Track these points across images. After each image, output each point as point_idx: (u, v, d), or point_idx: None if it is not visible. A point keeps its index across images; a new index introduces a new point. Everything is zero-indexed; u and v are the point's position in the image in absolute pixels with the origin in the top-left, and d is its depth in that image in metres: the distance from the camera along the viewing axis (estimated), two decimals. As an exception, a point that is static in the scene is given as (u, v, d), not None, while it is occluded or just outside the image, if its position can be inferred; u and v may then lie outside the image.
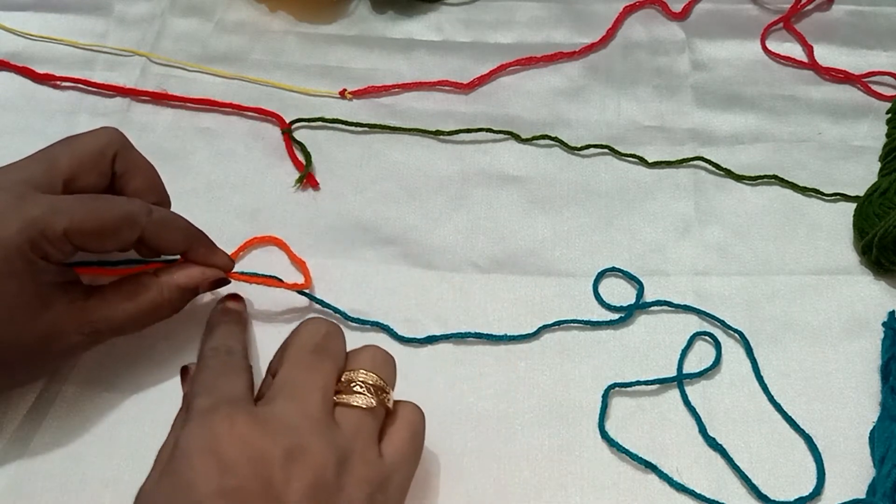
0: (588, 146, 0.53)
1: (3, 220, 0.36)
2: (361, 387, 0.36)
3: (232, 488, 0.31)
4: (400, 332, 0.45)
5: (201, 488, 0.31)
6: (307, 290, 0.46)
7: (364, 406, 0.35)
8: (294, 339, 0.37)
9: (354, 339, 0.44)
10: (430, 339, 0.45)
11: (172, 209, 0.44)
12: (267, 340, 0.44)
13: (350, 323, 0.45)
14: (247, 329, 0.43)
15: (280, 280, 0.45)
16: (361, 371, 0.36)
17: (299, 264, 0.47)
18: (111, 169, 0.41)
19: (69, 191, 0.40)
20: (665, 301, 0.46)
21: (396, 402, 0.38)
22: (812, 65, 0.58)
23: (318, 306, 0.46)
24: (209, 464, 0.32)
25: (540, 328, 0.45)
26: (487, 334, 0.45)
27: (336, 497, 0.32)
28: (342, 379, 0.36)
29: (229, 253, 0.44)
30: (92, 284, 0.40)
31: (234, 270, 0.44)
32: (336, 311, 0.45)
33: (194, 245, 0.42)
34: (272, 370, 0.38)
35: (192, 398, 0.35)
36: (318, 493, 0.32)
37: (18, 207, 0.37)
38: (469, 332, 0.45)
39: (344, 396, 0.35)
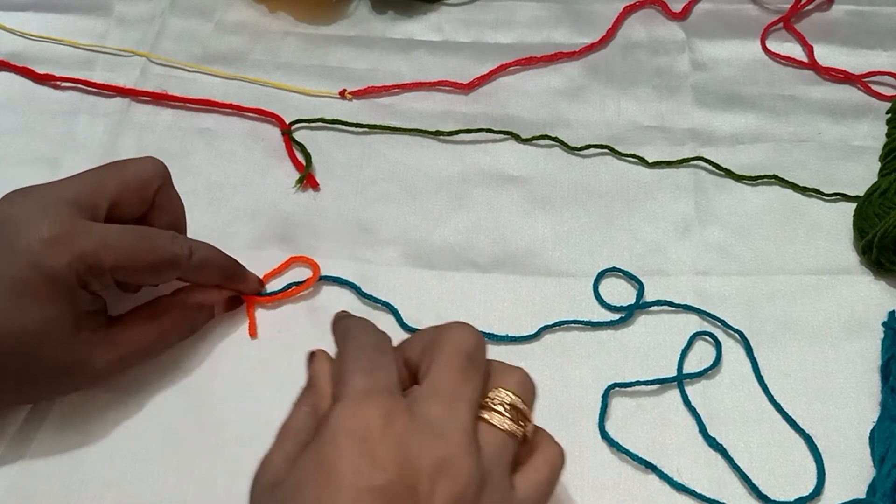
0: (588, 146, 0.53)
1: (57, 248, 0.37)
2: (506, 409, 0.34)
3: (378, 486, 0.30)
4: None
5: (346, 478, 0.30)
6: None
7: (507, 430, 0.34)
8: (447, 339, 0.35)
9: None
10: None
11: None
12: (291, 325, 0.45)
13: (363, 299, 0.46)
14: None
15: (298, 284, 0.46)
16: (508, 392, 0.34)
17: (306, 261, 0.48)
18: (153, 200, 0.42)
19: (112, 214, 0.41)
20: (665, 301, 0.46)
21: (538, 431, 0.36)
22: (812, 65, 0.58)
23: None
24: (359, 454, 0.30)
25: (541, 329, 0.45)
26: (489, 334, 0.45)
27: None
28: (488, 394, 0.34)
29: (269, 270, 0.47)
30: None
31: None
32: (350, 284, 0.46)
33: (228, 279, 0.44)
34: (410, 363, 0.35)
35: (345, 374, 0.33)
36: None
37: (71, 238, 0.38)
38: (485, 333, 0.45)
39: (487, 414, 0.34)
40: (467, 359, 0.34)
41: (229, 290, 0.45)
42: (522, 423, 0.34)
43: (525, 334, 0.45)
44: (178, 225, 0.45)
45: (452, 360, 0.34)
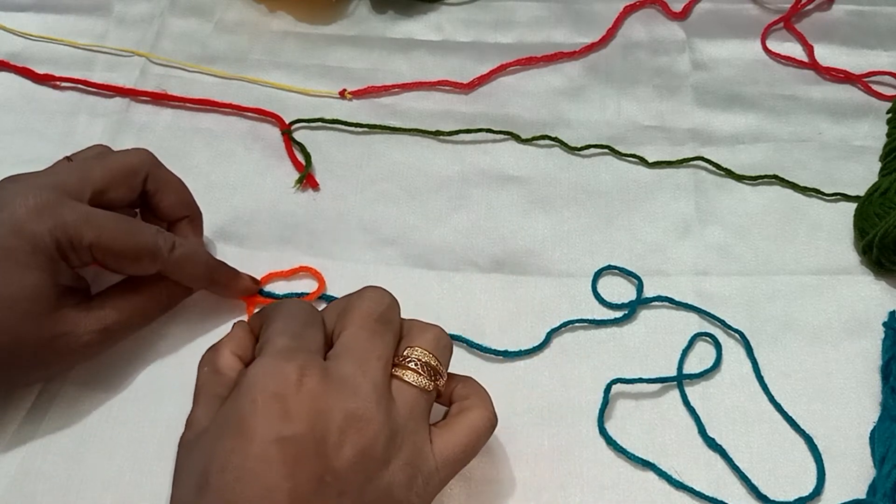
0: (588, 146, 0.53)
1: (41, 215, 0.39)
2: (417, 365, 0.36)
3: (287, 437, 0.31)
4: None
5: (258, 430, 0.31)
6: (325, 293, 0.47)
7: (419, 386, 0.35)
8: (359, 303, 0.37)
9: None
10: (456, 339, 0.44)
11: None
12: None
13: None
14: None
15: (300, 296, 0.46)
16: (421, 349, 0.36)
17: (313, 273, 0.47)
18: (142, 187, 0.44)
19: (98, 200, 0.41)
20: (666, 297, 0.46)
21: (474, 396, 0.38)
22: (812, 65, 0.58)
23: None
24: (272, 407, 0.32)
25: (549, 334, 0.45)
26: (504, 351, 0.44)
27: (380, 471, 0.33)
28: (402, 353, 0.36)
29: (272, 271, 0.47)
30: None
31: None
32: None
33: (215, 278, 0.44)
34: (327, 330, 0.37)
35: (272, 335, 0.35)
36: (366, 462, 0.33)
37: (56, 208, 0.39)
38: (491, 349, 0.44)
39: (400, 371, 0.36)
40: (378, 319, 0.36)
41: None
42: (435, 379, 0.36)
43: (535, 345, 0.45)
44: (183, 202, 0.45)
45: (364, 321, 0.36)
